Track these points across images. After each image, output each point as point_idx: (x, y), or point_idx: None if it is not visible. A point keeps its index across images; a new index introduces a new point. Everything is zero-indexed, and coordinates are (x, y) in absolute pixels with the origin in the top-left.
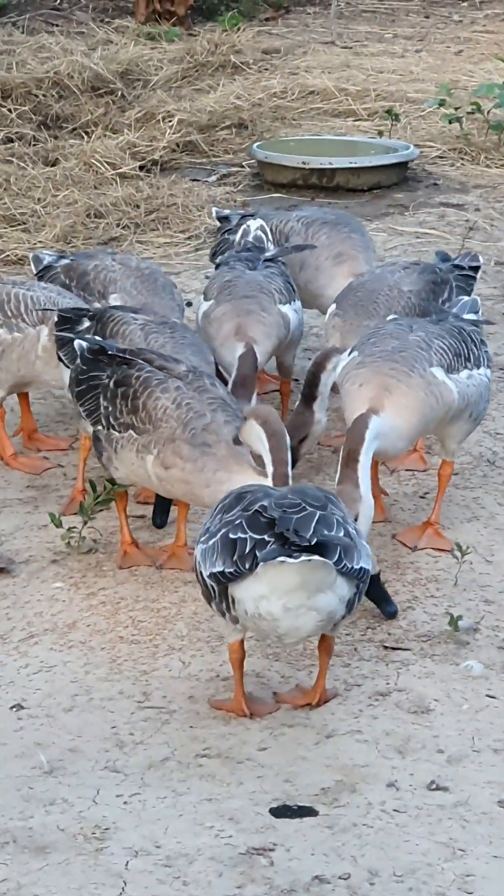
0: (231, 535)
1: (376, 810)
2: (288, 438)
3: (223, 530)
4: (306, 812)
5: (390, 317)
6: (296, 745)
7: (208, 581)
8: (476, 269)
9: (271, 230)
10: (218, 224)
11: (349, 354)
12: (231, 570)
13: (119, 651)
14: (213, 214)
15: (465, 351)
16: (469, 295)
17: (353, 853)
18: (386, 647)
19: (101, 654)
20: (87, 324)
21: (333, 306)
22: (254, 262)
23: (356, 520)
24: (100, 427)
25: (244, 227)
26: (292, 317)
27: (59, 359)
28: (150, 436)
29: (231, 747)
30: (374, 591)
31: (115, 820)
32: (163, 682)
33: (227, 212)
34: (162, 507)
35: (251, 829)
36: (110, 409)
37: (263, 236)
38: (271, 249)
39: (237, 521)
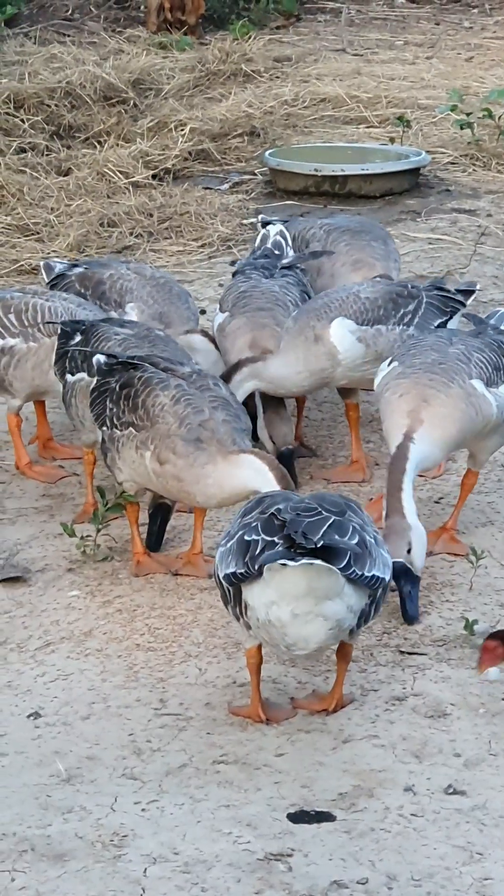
0: (245, 537)
1: (394, 815)
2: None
3: (240, 532)
4: (324, 817)
5: (337, 320)
6: (313, 751)
7: (224, 583)
8: (469, 293)
9: (294, 237)
10: (260, 229)
11: (388, 364)
12: (241, 570)
13: (136, 658)
14: (259, 220)
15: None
16: (446, 316)
17: (371, 858)
18: (402, 652)
19: (118, 661)
20: (78, 338)
21: (293, 313)
22: (270, 269)
23: (409, 551)
24: (105, 428)
25: (263, 232)
26: None
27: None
28: (148, 432)
29: (248, 753)
30: (405, 591)
31: (133, 827)
32: (179, 689)
33: (271, 218)
34: (156, 530)
35: (269, 835)
36: (114, 409)
37: (283, 242)
38: (290, 255)
39: (253, 524)
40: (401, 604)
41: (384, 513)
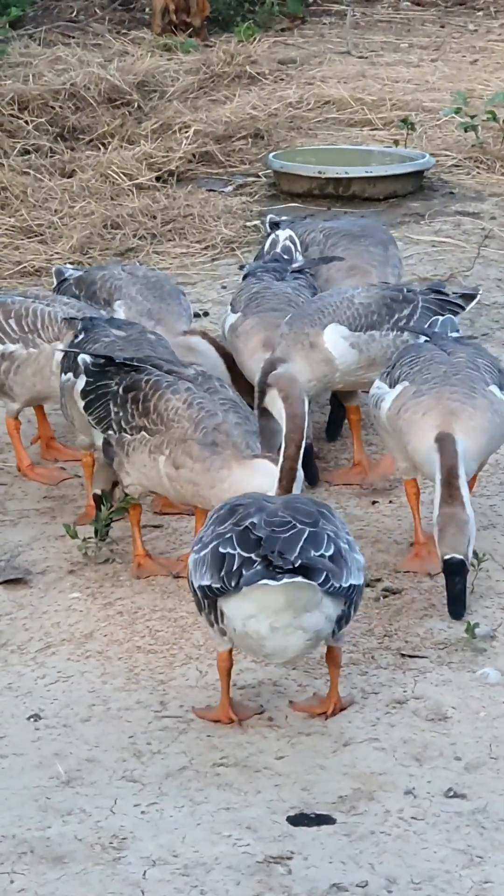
0: (220, 550)
1: (394, 818)
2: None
3: (213, 543)
4: (324, 820)
5: (330, 326)
6: (313, 754)
7: (198, 592)
8: (470, 297)
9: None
10: (268, 230)
11: (393, 386)
12: (217, 585)
13: (136, 661)
14: (268, 220)
15: (501, 366)
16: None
17: (371, 861)
18: (403, 655)
19: (119, 663)
20: (82, 336)
21: (287, 317)
22: (281, 272)
23: (468, 545)
24: (111, 432)
25: (273, 236)
26: None
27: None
28: (163, 436)
29: (248, 756)
30: (457, 588)
31: (133, 829)
32: (180, 691)
33: (278, 218)
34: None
35: (269, 838)
36: (121, 413)
37: (292, 247)
38: (299, 260)
39: (227, 535)
40: (448, 600)
41: (437, 501)
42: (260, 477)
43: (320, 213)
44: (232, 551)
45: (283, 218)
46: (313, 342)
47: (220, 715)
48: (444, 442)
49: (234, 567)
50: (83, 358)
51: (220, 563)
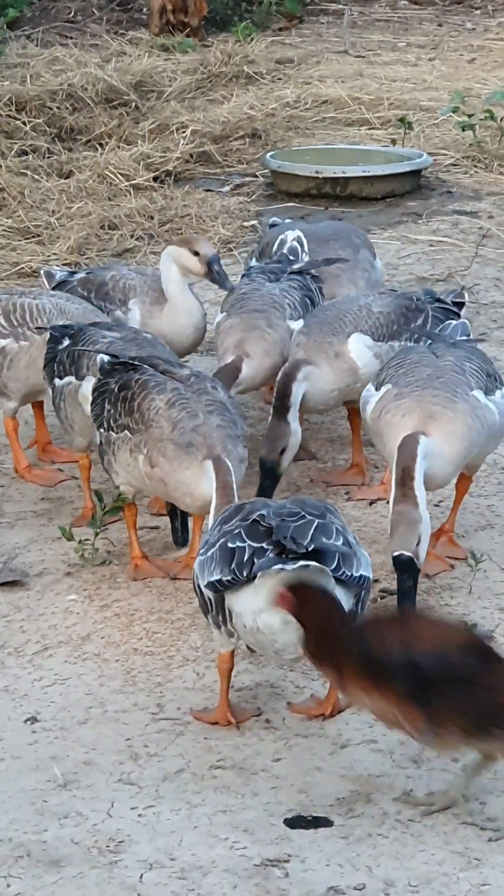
0: (230, 545)
1: (391, 820)
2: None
3: (221, 540)
4: (321, 823)
5: (353, 336)
6: (310, 756)
7: (205, 592)
8: (460, 305)
9: (268, 242)
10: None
11: (378, 388)
12: (228, 578)
13: (133, 663)
14: (270, 222)
15: (492, 370)
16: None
17: (369, 863)
18: None
19: (116, 666)
20: (66, 342)
21: (301, 324)
22: (278, 274)
23: (418, 543)
24: (102, 430)
25: (281, 237)
26: None
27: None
28: (143, 435)
29: (245, 758)
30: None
31: (130, 832)
32: (177, 693)
33: (280, 220)
34: (180, 525)
35: (266, 841)
36: (112, 411)
37: (299, 248)
38: (303, 261)
39: (236, 531)
40: (399, 597)
41: (392, 500)
42: (206, 478)
43: (318, 213)
44: (241, 544)
45: (287, 220)
46: (338, 351)
47: (219, 717)
48: (405, 442)
49: (245, 557)
50: (101, 357)
51: (230, 557)
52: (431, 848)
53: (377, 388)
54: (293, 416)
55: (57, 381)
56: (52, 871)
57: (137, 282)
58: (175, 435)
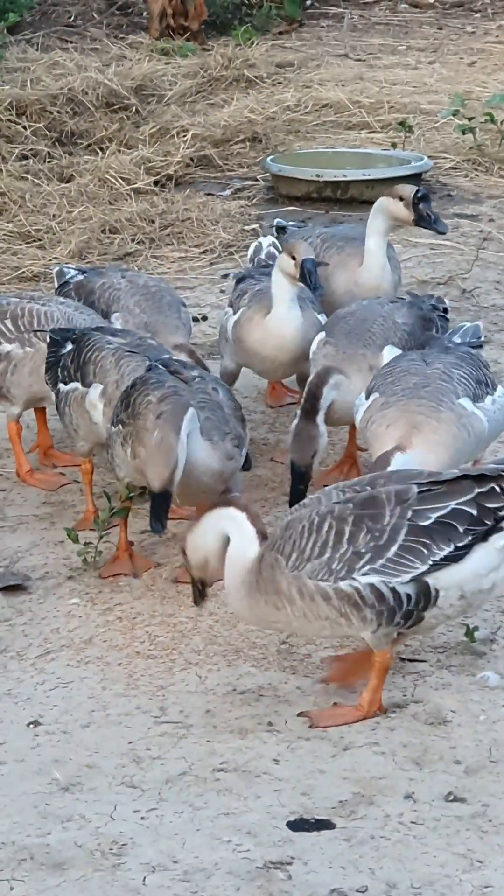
0: (430, 518)
1: (394, 822)
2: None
3: (406, 527)
4: (324, 825)
5: (387, 348)
6: (313, 758)
7: (405, 591)
8: (446, 311)
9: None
10: (275, 234)
11: (367, 398)
12: (467, 540)
13: (136, 666)
14: (274, 224)
15: (483, 376)
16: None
17: (371, 866)
18: (402, 659)
19: (118, 669)
20: (69, 346)
21: (322, 334)
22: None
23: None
24: (111, 425)
25: (255, 243)
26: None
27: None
28: (131, 427)
29: (248, 761)
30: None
31: (133, 835)
32: (179, 696)
33: (285, 223)
34: (158, 510)
35: (269, 843)
36: (118, 406)
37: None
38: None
39: (421, 506)
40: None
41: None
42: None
43: (318, 217)
44: (457, 504)
45: (290, 223)
46: (372, 364)
47: (369, 711)
48: (379, 460)
49: (476, 511)
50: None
51: (447, 527)
52: (434, 850)
53: (367, 397)
54: (321, 419)
55: (61, 386)
56: (56, 874)
57: (123, 293)
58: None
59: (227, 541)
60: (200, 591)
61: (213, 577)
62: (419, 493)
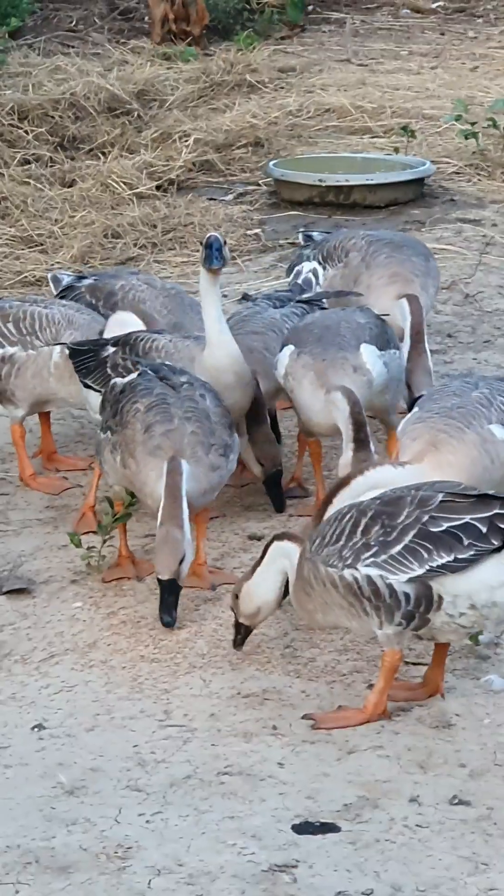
0: (442, 527)
1: (399, 825)
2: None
3: (416, 528)
4: (329, 828)
5: (363, 346)
6: (318, 762)
7: (403, 590)
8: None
9: (334, 247)
10: (302, 242)
11: (412, 410)
12: (470, 553)
13: (140, 670)
14: (300, 233)
15: None
16: None
17: (376, 869)
18: (406, 663)
19: (122, 673)
20: (111, 350)
21: (291, 347)
22: (283, 301)
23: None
24: (100, 431)
25: (297, 267)
26: None
27: (87, 385)
28: (119, 436)
29: (252, 764)
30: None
31: (138, 839)
32: (184, 700)
33: (311, 231)
34: (167, 601)
35: (274, 846)
36: (107, 412)
37: (313, 280)
38: (311, 292)
39: (439, 514)
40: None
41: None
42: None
43: (321, 222)
44: (471, 519)
45: (315, 232)
46: (354, 365)
47: (373, 712)
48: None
49: (485, 530)
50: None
51: (453, 538)
52: (439, 853)
53: (409, 409)
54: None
55: (118, 380)
56: (61, 878)
57: (147, 294)
58: (144, 437)
59: (285, 580)
60: (243, 637)
61: (258, 624)
62: (442, 501)
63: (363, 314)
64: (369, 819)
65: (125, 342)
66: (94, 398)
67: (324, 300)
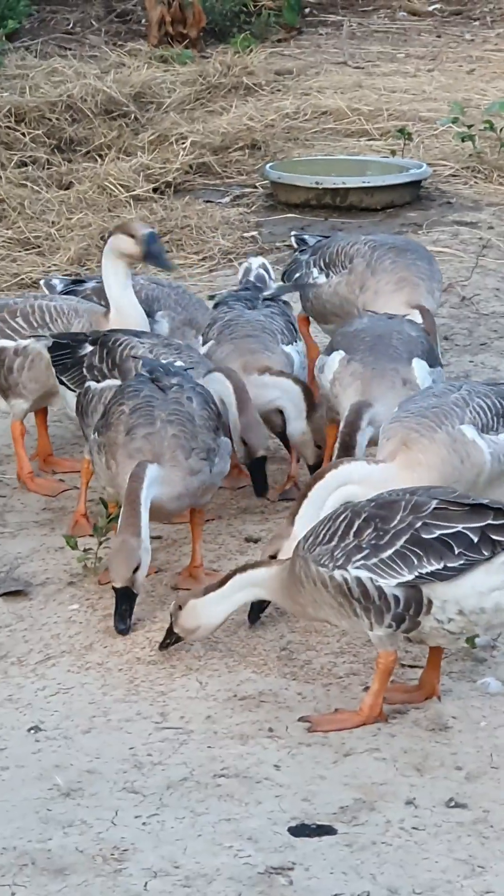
0: (433, 534)
1: (395, 828)
2: None
3: (409, 534)
4: (325, 831)
5: (415, 361)
6: (314, 764)
7: (392, 593)
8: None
9: (336, 252)
10: (295, 246)
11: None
12: (459, 563)
13: (136, 672)
14: (293, 237)
15: None
16: None
17: (373, 871)
18: (403, 665)
19: (119, 675)
20: (89, 348)
21: (341, 353)
22: (252, 301)
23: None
24: (92, 432)
25: (245, 265)
26: (295, 357)
27: (62, 382)
28: (104, 437)
29: (249, 767)
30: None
31: (134, 841)
32: (180, 702)
33: (303, 235)
34: (120, 608)
35: (270, 849)
36: (97, 412)
37: (265, 275)
38: (272, 287)
39: (432, 521)
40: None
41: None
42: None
43: (318, 224)
44: (464, 528)
45: (308, 235)
46: (405, 378)
47: (369, 716)
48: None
49: (477, 539)
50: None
51: (444, 546)
52: (435, 856)
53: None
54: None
55: (92, 384)
56: (57, 880)
57: (160, 293)
58: (126, 440)
59: (234, 610)
60: (172, 643)
61: (191, 640)
62: (436, 508)
63: (412, 326)
64: (366, 821)
65: (103, 343)
66: (71, 397)
67: (283, 294)
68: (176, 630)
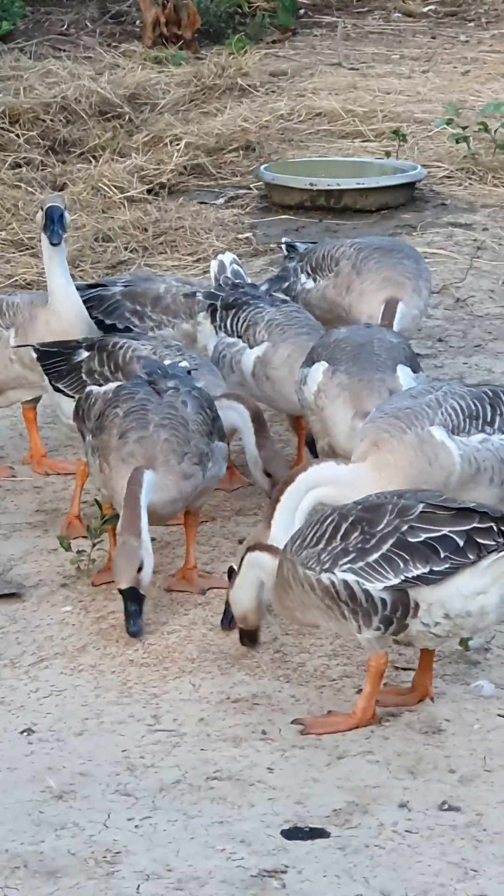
0: (420, 538)
1: (388, 831)
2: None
3: (395, 538)
4: (318, 834)
5: (399, 368)
6: (307, 767)
7: (380, 596)
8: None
9: (323, 256)
10: (286, 253)
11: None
12: (445, 566)
13: (129, 674)
14: (283, 243)
15: (488, 414)
16: None
17: (366, 874)
18: (397, 668)
19: (112, 677)
20: (85, 354)
21: (324, 364)
22: (264, 297)
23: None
24: (87, 435)
25: (218, 261)
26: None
27: (58, 390)
28: (98, 440)
29: (242, 770)
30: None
31: (127, 843)
32: (173, 705)
33: (293, 241)
34: (129, 610)
35: (263, 852)
36: (93, 415)
37: (240, 270)
38: (247, 283)
39: (420, 524)
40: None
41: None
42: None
43: (312, 226)
44: (448, 532)
45: (298, 242)
46: (391, 387)
47: (362, 719)
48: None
49: (462, 543)
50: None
51: (429, 550)
52: (428, 859)
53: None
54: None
55: (94, 388)
56: (49, 882)
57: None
58: (118, 443)
59: (261, 586)
60: (249, 637)
61: (254, 626)
62: (422, 512)
63: (392, 333)
64: (359, 825)
65: (101, 348)
66: (67, 403)
67: (273, 289)
68: (239, 624)
